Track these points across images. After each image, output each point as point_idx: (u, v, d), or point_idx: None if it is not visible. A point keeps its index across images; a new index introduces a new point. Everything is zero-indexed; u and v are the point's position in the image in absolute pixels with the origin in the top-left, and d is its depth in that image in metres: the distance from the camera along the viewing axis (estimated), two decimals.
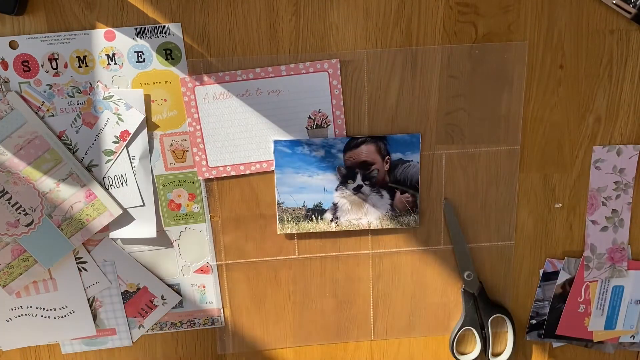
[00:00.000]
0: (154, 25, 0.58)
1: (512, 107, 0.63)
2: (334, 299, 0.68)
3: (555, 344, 0.72)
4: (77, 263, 0.64)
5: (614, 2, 0.60)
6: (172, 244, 0.65)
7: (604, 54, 0.62)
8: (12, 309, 0.65)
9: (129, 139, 0.61)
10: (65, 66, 0.58)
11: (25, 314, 0.65)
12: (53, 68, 0.58)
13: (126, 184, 0.62)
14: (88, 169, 0.61)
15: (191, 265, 0.66)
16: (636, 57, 0.62)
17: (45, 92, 0.59)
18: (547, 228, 0.67)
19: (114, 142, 0.61)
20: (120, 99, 0.59)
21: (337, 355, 0.71)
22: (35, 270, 0.63)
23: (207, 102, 0.60)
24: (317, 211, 0.64)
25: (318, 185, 0.63)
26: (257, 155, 0.63)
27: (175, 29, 0.58)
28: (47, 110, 0.59)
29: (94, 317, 0.66)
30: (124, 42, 0.58)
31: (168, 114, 0.61)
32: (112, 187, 0.62)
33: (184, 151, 0.62)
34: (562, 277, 0.68)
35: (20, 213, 0.61)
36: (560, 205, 0.66)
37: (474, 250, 0.67)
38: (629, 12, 0.60)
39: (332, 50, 0.60)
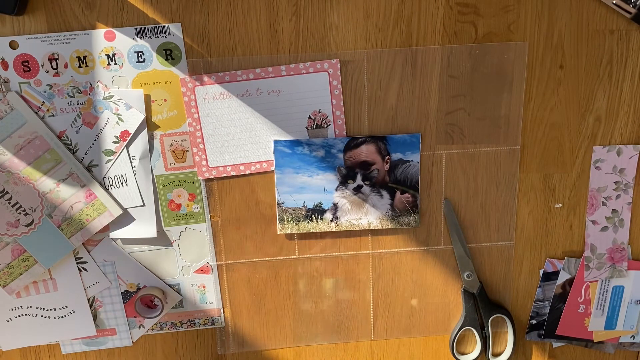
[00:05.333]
0: (154, 26, 0.58)
1: (512, 107, 0.63)
2: (334, 299, 0.68)
3: (555, 344, 0.72)
4: (77, 263, 0.64)
5: (614, 2, 0.60)
6: (172, 244, 0.65)
7: (604, 54, 0.62)
8: (12, 309, 0.65)
9: (129, 139, 0.61)
10: (65, 66, 0.58)
11: (25, 314, 0.65)
12: (53, 68, 0.58)
13: (126, 184, 0.62)
14: (88, 169, 0.61)
15: (191, 265, 0.66)
16: (636, 57, 0.62)
17: (45, 92, 0.59)
18: (547, 228, 0.67)
19: (114, 142, 0.61)
20: (120, 99, 0.59)
21: (337, 355, 0.71)
22: (35, 270, 0.63)
23: (207, 102, 0.60)
24: (317, 211, 0.64)
25: (318, 185, 0.63)
26: (257, 155, 0.63)
27: (175, 29, 0.58)
28: (47, 110, 0.59)
29: (94, 317, 0.66)
30: (124, 42, 0.58)
31: (168, 114, 0.61)
32: (112, 187, 0.62)
33: (184, 151, 0.62)
34: (562, 277, 0.68)
35: (20, 213, 0.61)
36: (561, 205, 0.66)
37: (473, 250, 0.67)
38: (629, 12, 0.60)
39: (332, 50, 0.60)
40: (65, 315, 0.66)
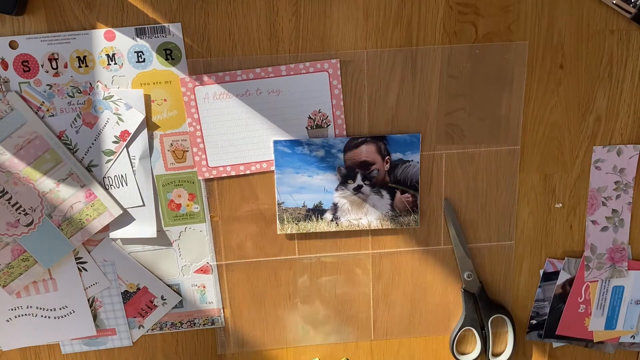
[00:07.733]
0: (154, 25, 0.58)
1: (512, 107, 0.63)
2: (334, 299, 0.68)
3: (556, 344, 0.72)
4: (77, 263, 0.64)
5: (614, 2, 0.60)
6: (172, 244, 0.65)
7: (604, 54, 0.62)
8: (12, 309, 0.65)
9: (129, 139, 0.61)
10: (65, 66, 0.58)
11: (25, 314, 0.65)
12: (53, 68, 0.58)
13: (126, 184, 0.62)
14: (88, 169, 0.61)
15: (191, 265, 0.66)
16: (636, 57, 0.62)
17: (45, 92, 0.59)
18: (547, 228, 0.67)
19: (114, 142, 0.61)
20: (120, 99, 0.59)
21: (337, 356, 0.71)
22: (35, 270, 0.63)
23: (207, 102, 0.60)
24: (317, 211, 0.64)
25: (318, 185, 0.63)
26: (257, 155, 0.63)
27: (175, 29, 0.58)
28: (47, 110, 0.59)
29: (94, 317, 0.66)
30: (124, 42, 0.58)
31: (168, 114, 0.61)
32: (112, 187, 0.62)
33: (184, 151, 0.62)
34: (562, 277, 0.68)
35: (20, 213, 0.61)
36: (561, 205, 0.66)
37: (474, 250, 0.67)
38: (629, 12, 0.60)
39: (332, 50, 0.60)
40: (65, 315, 0.66)
